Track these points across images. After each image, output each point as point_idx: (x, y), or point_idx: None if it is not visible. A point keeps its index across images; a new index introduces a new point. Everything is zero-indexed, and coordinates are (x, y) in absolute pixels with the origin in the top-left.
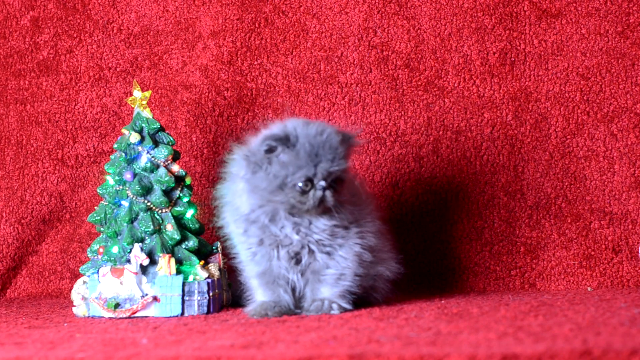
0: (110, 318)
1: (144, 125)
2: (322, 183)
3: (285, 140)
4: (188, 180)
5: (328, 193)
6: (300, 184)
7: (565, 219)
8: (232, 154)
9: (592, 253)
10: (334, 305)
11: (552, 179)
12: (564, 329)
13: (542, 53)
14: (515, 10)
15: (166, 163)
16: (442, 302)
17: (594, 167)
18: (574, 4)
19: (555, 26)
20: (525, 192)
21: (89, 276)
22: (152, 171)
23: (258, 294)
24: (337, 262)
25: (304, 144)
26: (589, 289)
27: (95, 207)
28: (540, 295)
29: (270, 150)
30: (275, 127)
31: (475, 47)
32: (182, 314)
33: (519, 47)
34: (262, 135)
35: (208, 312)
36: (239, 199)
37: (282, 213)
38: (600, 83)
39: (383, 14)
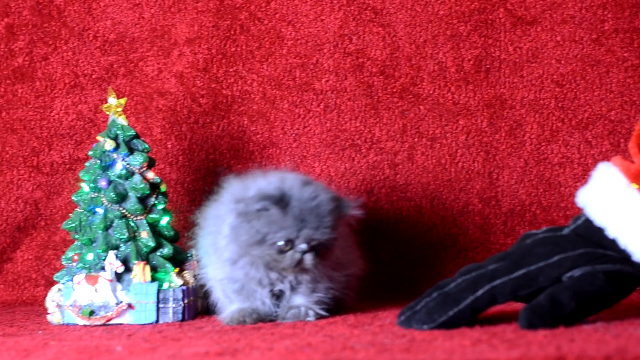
0: (84, 325)
1: (119, 132)
2: (303, 246)
3: (280, 202)
4: (163, 188)
5: (308, 256)
6: (279, 243)
7: (540, 225)
8: (223, 190)
9: None
10: (310, 312)
11: (527, 186)
12: (538, 335)
13: (517, 60)
14: (490, 17)
15: (141, 170)
16: None
17: (568, 174)
18: (549, 12)
19: (530, 33)
20: (500, 199)
21: (63, 283)
22: (127, 178)
23: (234, 303)
24: (313, 278)
25: (295, 207)
26: None
27: (70, 215)
28: (515, 301)
29: (263, 209)
30: (272, 183)
31: (450, 54)
32: (157, 321)
33: (494, 54)
34: (258, 190)
35: (183, 319)
36: (223, 241)
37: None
38: (575, 90)
39: (358, 21)
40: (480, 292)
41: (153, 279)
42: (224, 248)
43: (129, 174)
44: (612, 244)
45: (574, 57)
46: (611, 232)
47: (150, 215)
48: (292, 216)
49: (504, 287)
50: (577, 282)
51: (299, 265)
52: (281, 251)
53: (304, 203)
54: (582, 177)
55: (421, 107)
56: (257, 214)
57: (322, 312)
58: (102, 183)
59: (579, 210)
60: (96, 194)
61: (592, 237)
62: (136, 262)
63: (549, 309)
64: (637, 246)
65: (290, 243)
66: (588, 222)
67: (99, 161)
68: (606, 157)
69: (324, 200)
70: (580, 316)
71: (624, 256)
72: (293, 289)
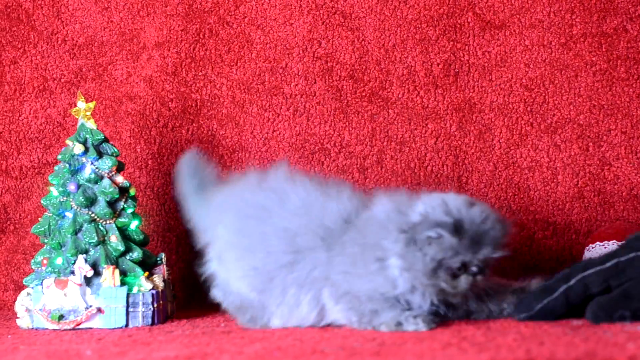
0: (54, 330)
1: (88, 136)
2: (474, 269)
3: (455, 228)
4: (132, 192)
5: (479, 277)
6: (455, 266)
7: None
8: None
9: (536, 263)
10: None
11: (496, 190)
12: (507, 338)
13: (486, 64)
14: (459, 21)
15: (110, 174)
16: None
17: (537, 178)
18: (518, 16)
19: (499, 37)
20: None
21: (32, 288)
22: (96, 182)
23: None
24: None
25: (468, 230)
26: None
27: (39, 219)
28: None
29: (438, 237)
30: (439, 207)
31: (419, 58)
32: (127, 325)
33: (463, 59)
34: (423, 215)
35: (152, 323)
36: (394, 271)
37: None
38: (543, 94)
39: (327, 25)
40: (572, 281)
41: (122, 283)
42: (393, 279)
43: (98, 178)
44: None
45: (542, 61)
46: None
47: (120, 219)
48: (467, 240)
49: (596, 277)
50: None
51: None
52: (455, 275)
53: (476, 226)
54: (551, 180)
55: (390, 111)
56: (428, 241)
57: None
58: (71, 187)
59: (548, 213)
60: (65, 198)
61: None
62: (105, 266)
63: (616, 303)
64: None
65: (464, 267)
66: None
67: (68, 165)
68: (574, 161)
69: (494, 220)
70: None
71: None
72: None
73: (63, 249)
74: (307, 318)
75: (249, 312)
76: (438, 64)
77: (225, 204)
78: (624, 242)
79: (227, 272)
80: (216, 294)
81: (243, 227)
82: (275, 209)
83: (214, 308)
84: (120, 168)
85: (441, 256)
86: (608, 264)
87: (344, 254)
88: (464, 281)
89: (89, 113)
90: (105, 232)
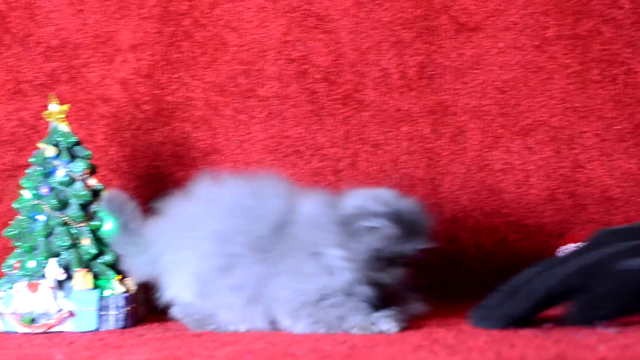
0: (25, 333)
1: (60, 139)
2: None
3: (394, 217)
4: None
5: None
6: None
7: (482, 231)
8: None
9: (509, 266)
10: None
11: (469, 192)
12: (478, 341)
13: (460, 67)
14: (433, 24)
15: (83, 177)
16: None
17: (510, 180)
18: (492, 18)
19: (473, 40)
20: (442, 205)
21: (4, 291)
22: (68, 185)
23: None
24: None
25: (405, 220)
26: None
27: (11, 222)
28: (456, 307)
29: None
30: (371, 198)
31: (393, 61)
32: (98, 328)
33: (437, 61)
34: (361, 207)
35: (124, 326)
36: (334, 265)
37: None
38: (517, 97)
39: (302, 28)
40: (536, 285)
41: (94, 286)
42: (338, 272)
43: (71, 181)
44: None
45: (516, 64)
46: None
47: (92, 222)
48: (405, 230)
49: (560, 284)
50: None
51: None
52: (390, 266)
53: (411, 217)
54: (524, 183)
55: (364, 113)
56: (367, 231)
57: None
58: (44, 190)
59: (521, 216)
60: (38, 201)
61: None
62: (78, 269)
63: (585, 306)
64: None
65: (400, 257)
66: None
67: (40, 168)
68: (547, 163)
69: (423, 212)
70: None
71: None
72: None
73: (35, 252)
74: (258, 326)
75: (200, 318)
76: (412, 67)
77: (163, 231)
78: (587, 242)
79: (175, 287)
80: (173, 311)
81: (180, 238)
82: (205, 214)
83: None
84: (93, 171)
85: (381, 246)
86: (572, 268)
87: (285, 268)
88: (398, 272)
89: (62, 116)
90: (77, 235)
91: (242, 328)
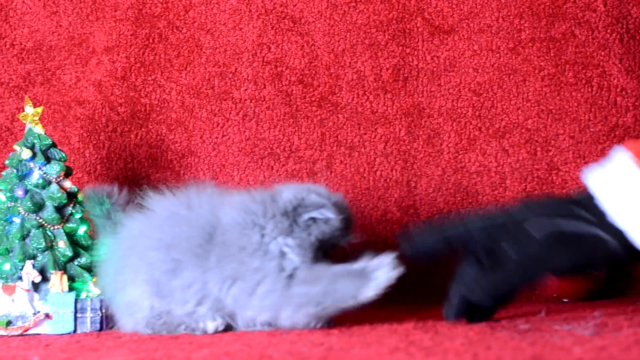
0: (1, 336)
1: (35, 141)
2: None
3: (337, 210)
4: (80, 197)
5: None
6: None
7: None
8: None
9: None
10: None
11: (445, 194)
12: (455, 343)
13: (435, 69)
14: (408, 26)
15: (58, 179)
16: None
17: (486, 182)
18: (466, 21)
19: (448, 42)
20: (418, 207)
21: None
22: (44, 187)
23: None
24: None
25: (341, 211)
26: None
27: None
28: (433, 310)
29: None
30: (312, 194)
31: (368, 63)
32: (75, 331)
33: (412, 64)
34: (308, 200)
35: (101, 329)
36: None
37: None
38: (492, 99)
39: (277, 30)
40: (460, 228)
41: (70, 289)
42: (287, 258)
43: (46, 183)
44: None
45: (491, 66)
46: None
47: (68, 225)
48: (343, 223)
49: (481, 231)
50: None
51: None
52: (325, 256)
53: (345, 210)
54: (499, 185)
55: (340, 115)
56: (310, 222)
57: None
58: (19, 192)
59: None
60: (13, 203)
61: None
62: (53, 271)
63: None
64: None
65: (332, 248)
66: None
67: (15, 170)
68: (523, 166)
69: (349, 208)
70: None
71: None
72: None
73: (10, 254)
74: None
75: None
76: (387, 69)
77: (112, 252)
78: (519, 206)
79: (132, 294)
80: (138, 328)
81: (128, 251)
82: (146, 225)
83: None
84: (68, 173)
85: (325, 237)
86: (498, 221)
87: (230, 273)
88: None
89: (37, 118)
90: (53, 238)
91: (210, 326)
